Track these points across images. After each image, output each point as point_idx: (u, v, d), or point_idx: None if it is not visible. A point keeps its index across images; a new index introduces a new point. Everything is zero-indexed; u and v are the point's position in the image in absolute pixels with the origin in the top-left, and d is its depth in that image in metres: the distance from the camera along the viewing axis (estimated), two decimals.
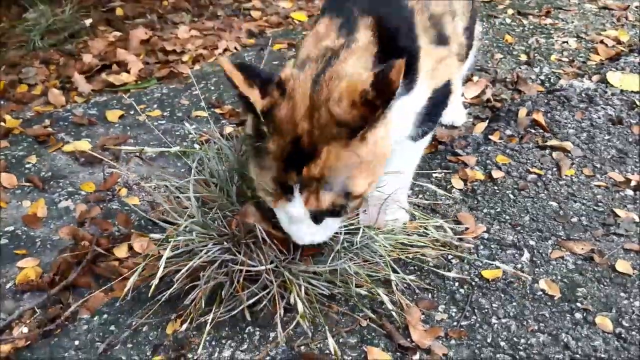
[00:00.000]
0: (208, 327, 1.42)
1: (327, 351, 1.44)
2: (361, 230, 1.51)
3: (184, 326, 1.47)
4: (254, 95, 1.23)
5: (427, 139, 1.68)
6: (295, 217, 1.31)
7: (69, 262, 1.77)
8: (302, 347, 1.46)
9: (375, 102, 1.18)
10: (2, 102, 2.70)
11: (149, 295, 1.58)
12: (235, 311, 1.47)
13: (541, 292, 1.59)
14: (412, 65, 1.38)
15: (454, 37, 1.58)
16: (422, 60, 1.42)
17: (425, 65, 1.43)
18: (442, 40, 1.51)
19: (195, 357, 1.44)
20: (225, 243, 1.49)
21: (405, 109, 1.43)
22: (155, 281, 1.44)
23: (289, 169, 1.24)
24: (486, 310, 1.54)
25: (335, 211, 1.30)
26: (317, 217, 1.32)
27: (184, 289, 1.48)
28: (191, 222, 1.53)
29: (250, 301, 1.45)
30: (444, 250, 1.67)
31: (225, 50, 3.14)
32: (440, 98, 1.52)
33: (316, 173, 1.23)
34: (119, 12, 3.49)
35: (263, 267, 1.43)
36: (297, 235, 1.37)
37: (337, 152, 1.22)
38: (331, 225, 1.38)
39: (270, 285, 1.44)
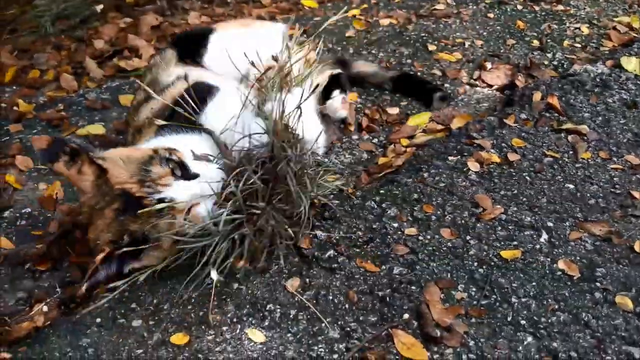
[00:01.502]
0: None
1: (348, 328, 1.45)
2: None
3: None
4: None
5: None
6: None
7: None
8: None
9: None
10: (14, 87, 2.71)
11: (169, 273, 1.60)
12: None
13: (560, 272, 1.59)
14: None
15: None
16: None
17: None
18: None
19: (215, 333, 1.44)
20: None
21: None
22: None
23: None
24: (506, 290, 1.54)
25: None
26: None
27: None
28: None
29: None
30: None
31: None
32: None
33: None
34: None
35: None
36: None
37: None
38: None
39: None
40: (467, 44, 2.88)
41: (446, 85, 2.56)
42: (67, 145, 1.53)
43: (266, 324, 1.47)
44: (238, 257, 1.53)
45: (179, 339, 1.43)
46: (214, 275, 1.49)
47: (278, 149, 1.53)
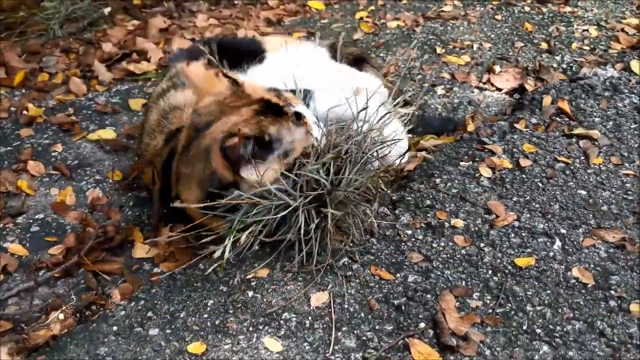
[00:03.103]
0: None
1: (364, 337, 1.45)
2: None
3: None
4: None
5: None
6: None
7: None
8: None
9: None
10: (23, 91, 2.71)
11: (185, 281, 1.60)
12: None
13: (574, 280, 1.60)
14: None
15: None
16: None
17: None
18: None
19: (232, 342, 1.45)
20: None
21: None
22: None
23: None
24: (520, 298, 1.55)
25: None
26: None
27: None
28: None
29: None
30: None
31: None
32: None
33: None
34: (136, 0, 3.48)
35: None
36: None
37: None
38: None
39: None
40: (475, 46, 2.88)
41: (455, 88, 2.57)
42: (206, 53, 1.64)
43: (282, 332, 1.47)
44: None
45: (196, 348, 1.43)
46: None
47: None
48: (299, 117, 1.58)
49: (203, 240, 1.55)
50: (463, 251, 1.68)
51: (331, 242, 1.60)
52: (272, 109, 1.58)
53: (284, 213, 1.53)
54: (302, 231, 1.54)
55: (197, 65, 1.58)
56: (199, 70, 1.58)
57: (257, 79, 2.08)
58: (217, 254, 1.53)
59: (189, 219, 1.64)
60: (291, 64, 2.10)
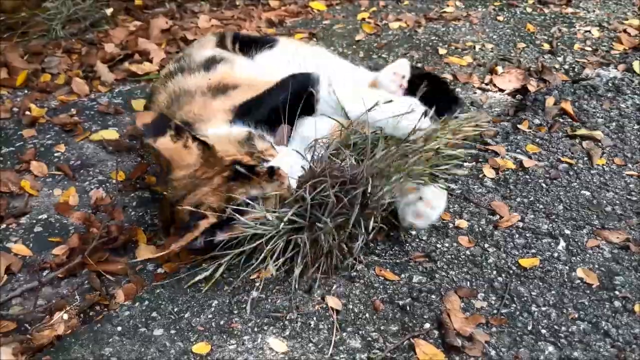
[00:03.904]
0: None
1: (369, 338, 1.45)
2: None
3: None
4: None
5: None
6: None
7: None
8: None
9: None
10: (26, 91, 2.70)
11: (189, 282, 1.60)
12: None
13: (579, 281, 1.60)
14: None
15: None
16: None
17: None
18: None
19: (237, 342, 1.45)
20: None
21: None
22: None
23: None
24: (525, 298, 1.55)
25: None
26: None
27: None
28: None
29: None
30: None
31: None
32: None
33: None
34: (138, 1, 3.48)
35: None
36: None
37: None
38: None
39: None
40: (477, 47, 2.88)
41: (458, 89, 2.56)
42: (173, 121, 1.61)
43: (287, 333, 1.47)
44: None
45: (200, 348, 1.43)
46: (272, 269, 1.52)
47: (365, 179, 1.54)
48: (272, 173, 1.57)
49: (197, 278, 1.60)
50: (467, 252, 1.68)
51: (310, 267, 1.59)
52: (242, 172, 1.57)
53: (260, 241, 1.54)
54: (280, 260, 1.55)
55: (164, 141, 1.58)
56: (167, 146, 1.59)
57: (265, 63, 2.14)
58: (204, 275, 1.58)
59: None
60: (302, 48, 2.19)
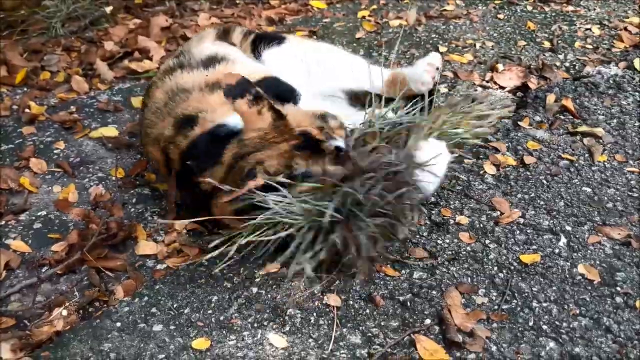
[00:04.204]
0: None
1: (370, 334, 1.45)
2: None
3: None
4: None
5: None
6: None
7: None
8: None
9: None
10: (25, 89, 2.70)
11: (189, 277, 1.60)
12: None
13: (580, 277, 1.59)
14: None
15: None
16: None
17: None
18: None
19: (237, 338, 1.44)
20: None
21: None
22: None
23: None
24: (526, 294, 1.54)
25: None
26: None
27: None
28: None
29: None
30: None
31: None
32: None
33: None
34: None
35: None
36: None
37: None
38: None
39: None
40: (477, 45, 2.87)
41: (458, 87, 2.56)
42: (254, 87, 1.63)
43: (287, 329, 1.46)
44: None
45: (200, 344, 1.42)
46: (307, 268, 1.49)
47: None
48: (339, 150, 1.59)
49: (214, 244, 1.55)
50: (468, 248, 1.68)
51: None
52: (311, 144, 1.59)
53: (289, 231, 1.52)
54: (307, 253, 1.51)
55: (240, 104, 1.61)
56: (244, 110, 1.61)
57: (272, 61, 2.15)
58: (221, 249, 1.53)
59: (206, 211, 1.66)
60: (312, 46, 2.22)
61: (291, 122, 1.61)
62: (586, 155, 2.03)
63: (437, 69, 2.06)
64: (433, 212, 1.80)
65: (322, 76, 2.16)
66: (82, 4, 3.16)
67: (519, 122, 2.21)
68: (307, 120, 1.63)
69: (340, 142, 1.60)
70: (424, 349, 1.39)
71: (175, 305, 1.54)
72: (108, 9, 3.23)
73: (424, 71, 2.04)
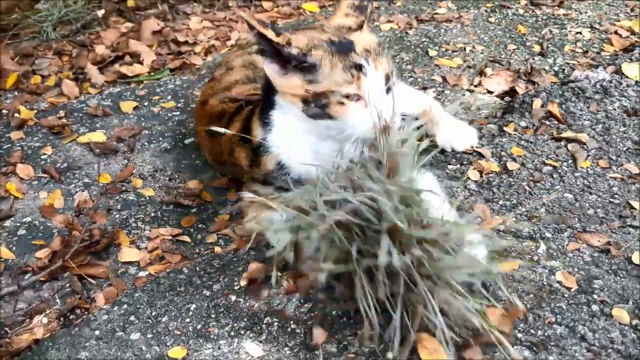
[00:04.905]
0: None
1: (345, 342, 1.45)
2: None
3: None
4: (269, 32, 1.47)
5: None
6: (376, 85, 1.50)
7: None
8: None
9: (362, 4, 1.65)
10: (16, 93, 2.72)
11: (169, 285, 1.61)
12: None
13: (558, 284, 1.59)
14: None
15: None
16: None
17: None
18: None
19: (213, 347, 1.45)
20: None
21: None
22: None
23: (348, 53, 1.50)
24: (503, 302, 1.54)
25: (390, 81, 1.54)
26: (386, 84, 1.53)
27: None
28: None
29: None
30: None
31: (238, 41, 3.14)
32: None
33: (363, 48, 1.51)
34: (130, 2, 3.49)
35: None
36: (382, 105, 1.47)
37: (362, 36, 1.57)
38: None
39: None
40: (467, 49, 2.88)
41: (446, 91, 2.56)
42: None
43: (264, 337, 1.47)
44: None
45: (176, 352, 1.43)
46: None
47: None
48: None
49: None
50: None
51: None
52: None
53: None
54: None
55: None
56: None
57: None
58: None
59: None
60: None
61: None
62: (570, 161, 2.04)
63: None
64: None
65: None
66: (74, 7, 3.18)
67: (505, 128, 2.21)
68: None
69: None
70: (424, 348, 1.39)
71: (153, 314, 1.55)
72: (100, 13, 3.25)
73: (461, 144, 2.13)
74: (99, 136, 2.35)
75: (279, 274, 1.50)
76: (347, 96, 1.50)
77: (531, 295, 1.56)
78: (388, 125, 1.43)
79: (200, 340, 1.47)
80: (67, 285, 1.72)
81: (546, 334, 1.46)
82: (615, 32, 2.97)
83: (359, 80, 1.49)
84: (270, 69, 1.56)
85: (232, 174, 2.00)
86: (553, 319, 1.50)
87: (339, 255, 1.32)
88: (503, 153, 2.08)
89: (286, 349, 1.44)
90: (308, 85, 1.52)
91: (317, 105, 1.53)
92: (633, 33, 2.96)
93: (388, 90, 1.54)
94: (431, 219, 1.37)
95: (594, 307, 1.53)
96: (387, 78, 1.53)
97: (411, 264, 1.28)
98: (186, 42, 3.11)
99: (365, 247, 1.31)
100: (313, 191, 1.37)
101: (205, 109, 2.03)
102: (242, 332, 1.49)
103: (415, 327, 1.33)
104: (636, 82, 2.45)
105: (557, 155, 2.06)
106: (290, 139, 1.66)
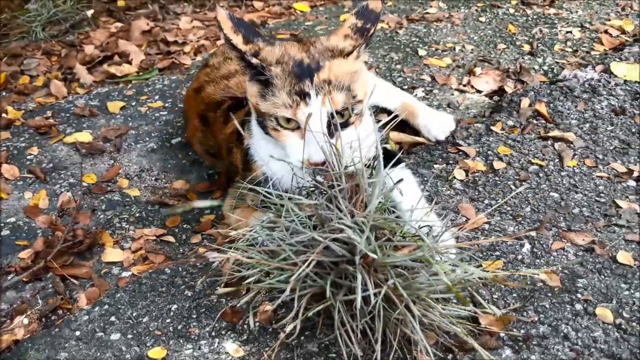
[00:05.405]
0: None
1: (327, 342, 1.45)
2: None
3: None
4: (237, 39, 1.46)
5: None
6: (317, 118, 1.43)
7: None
8: None
9: (365, 26, 1.52)
10: (4, 94, 2.70)
11: (150, 285, 1.60)
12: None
13: (541, 283, 1.59)
14: None
15: None
16: None
17: None
18: None
19: (193, 347, 1.44)
20: None
21: None
22: None
23: (303, 79, 1.44)
24: (487, 301, 1.53)
25: (345, 117, 1.48)
26: (331, 125, 1.44)
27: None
28: None
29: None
30: None
31: None
32: None
33: (326, 77, 1.45)
34: (120, 2, 3.49)
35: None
36: (314, 148, 1.41)
37: (339, 64, 1.48)
38: (345, 140, 1.43)
39: None
40: (457, 48, 2.87)
41: (435, 91, 2.56)
42: None
43: (244, 337, 1.46)
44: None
45: (156, 353, 1.42)
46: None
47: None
48: None
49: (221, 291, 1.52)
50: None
51: None
52: None
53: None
54: None
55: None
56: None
57: None
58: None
59: None
60: None
61: None
62: (556, 160, 2.03)
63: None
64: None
65: None
66: (63, 7, 3.17)
67: (492, 127, 2.20)
68: None
69: None
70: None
71: (134, 314, 1.54)
72: (89, 13, 3.24)
73: (441, 131, 2.18)
74: (85, 136, 2.34)
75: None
76: (288, 120, 1.47)
77: (515, 295, 1.55)
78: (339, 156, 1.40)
79: (181, 341, 1.46)
80: (50, 285, 1.71)
81: (529, 332, 1.45)
82: (606, 32, 2.96)
83: (297, 108, 1.43)
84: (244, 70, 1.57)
85: (225, 170, 1.98)
86: (536, 318, 1.49)
87: (315, 292, 1.33)
88: (490, 152, 2.07)
89: (267, 348, 1.43)
90: (259, 99, 1.49)
91: (260, 123, 1.53)
92: (623, 32, 2.96)
93: (344, 125, 1.47)
94: (403, 236, 1.37)
95: (578, 306, 1.53)
96: (340, 115, 1.47)
97: (388, 290, 1.27)
98: (175, 42, 3.10)
99: (339, 280, 1.31)
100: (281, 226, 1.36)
101: (201, 95, 2.01)
102: (223, 332, 1.48)
103: (395, 343, 1.32)
104: (625, 81, 2.44)
105: (543, 155, 2.06)
106: (264, 149, 1.62)
